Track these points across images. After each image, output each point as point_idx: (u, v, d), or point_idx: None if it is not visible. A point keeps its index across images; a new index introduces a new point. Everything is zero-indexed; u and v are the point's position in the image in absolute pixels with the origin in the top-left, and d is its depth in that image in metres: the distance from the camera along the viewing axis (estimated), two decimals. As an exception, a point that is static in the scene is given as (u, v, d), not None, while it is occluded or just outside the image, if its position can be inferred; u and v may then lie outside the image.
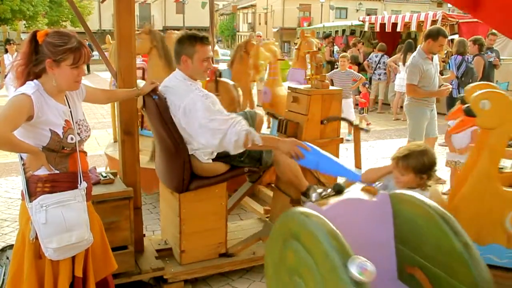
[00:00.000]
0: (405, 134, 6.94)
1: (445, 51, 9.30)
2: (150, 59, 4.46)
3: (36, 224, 1.97)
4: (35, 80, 2.01)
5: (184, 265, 2.97)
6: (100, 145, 6.80)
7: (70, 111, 2.11)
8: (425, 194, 2.30)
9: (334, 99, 3.28)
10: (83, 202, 2.10)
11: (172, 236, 3.08)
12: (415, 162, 2.34)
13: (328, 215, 1.79)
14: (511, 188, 2.79)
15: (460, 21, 10.05)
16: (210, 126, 2.59)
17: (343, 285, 1.55)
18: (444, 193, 4.64)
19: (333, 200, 2.08)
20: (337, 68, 8.23)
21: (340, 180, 2.74)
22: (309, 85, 3.38)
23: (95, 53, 2.86)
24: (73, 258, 2.10)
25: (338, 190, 2.18)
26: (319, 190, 2.04)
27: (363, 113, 8.73)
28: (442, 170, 5.04)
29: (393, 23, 11.59)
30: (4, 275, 2.57)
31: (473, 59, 7.30)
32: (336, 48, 13.55)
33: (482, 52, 7.50)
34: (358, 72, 9.00)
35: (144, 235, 3.12)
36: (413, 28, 10.87)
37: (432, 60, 4.67)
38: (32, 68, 2.01)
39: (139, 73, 4.56)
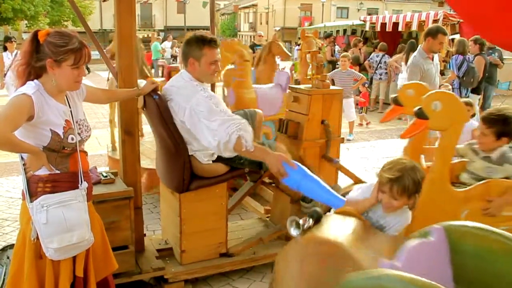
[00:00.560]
0: (406, 134, 6.92)
1: (446, 51, 9.30)
2: None
3: (37, 224, 1.98)
4: (35, 80, 2.02)
5: (185, 265, 2.97)
6: (101, 145, 6.80)
7: (71, 111, 2.11)
8: (406, 212, 2.18)
9: (334, 98, 3.29)
10: (84, 202, 2.11)
11: (173, 236, 3.09)
12: (411, 183, 2.05)
13: (408, 269, 1.49)
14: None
15: (461, 20, 10.03)
16: (211, 127, 2.57)
17: None
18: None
19: (400, 251, 1.70)
20: (338, 68, 8.23)
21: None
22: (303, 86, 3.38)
23: (96, 52, 2.86)
24: (74, 258, 2.10)
25: (317, 219, 1.98)
26: (300, 222, 1.87)
27: (362, 112, 8.76)
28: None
29: (394, 23, 11.57)
30: (4, 275, 2.57)
31: (474, 59, 7.29)
32: (337, 47, 13.54)
33: (483, 52, 7.50)
34: (359, 72, 9.00)
35: (144, 235, 3.12)
36: (414, 27, 10.85)
37: (432, 60, 4.66)
38: (33, 67, 2.01)
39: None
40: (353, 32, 13.58)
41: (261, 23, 47.17)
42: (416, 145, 3.00)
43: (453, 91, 6.78)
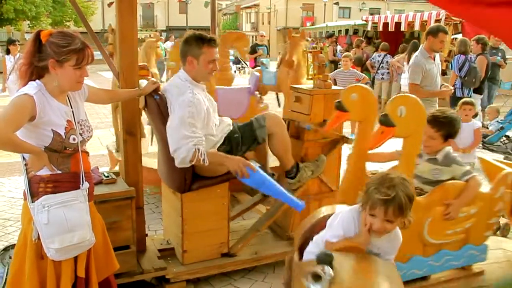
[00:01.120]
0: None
1: (449, 50, 9.28)
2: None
3: (38, 224, 1.98)
4: (37, 80, 2.02)
5: (186, 265, 2.97)
6: (103, 145, 6.79)
7: (72, 112, 2.11)
8: (397, 235, 1.98)
9: (336, 98, 3.28)
10: (85, 203, 2.11)
11: (174, 236, 3.09)
12: (406, 200, 1.83)
13: None
14: None
15: (464, 20, 10.01)
16: (173, 136, 2.62)
17: None
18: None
19: None
20: (340, 67, 8.22)
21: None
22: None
23: (98, 52, 2.86)
24: (75, 258, 2.10)
25: (330, 262, 1.70)
26: (319, 271, 1.63)
27: None
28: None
29: (396, 23, 11.56)
30: (7, 275, 2.58)
31: (476, 58, 7.28)
32: (339, 47, 13.54)
33: (485, 52, 7.48)
34: (361, 72, 8.98)
35: (146, 235, 3.12)
36: (417, 27, 10.85)
37: (434, 60, 4.65)
38: (35, 67, 2.01)
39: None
40: (355, 32, 13.59)
41: (263, 23, 47.15)
42: (360, 152, 2.70)
43: (455, 91, 6.78)
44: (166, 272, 2.89)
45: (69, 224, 2.00)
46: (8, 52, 8.41)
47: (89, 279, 2.18)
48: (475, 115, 4.88)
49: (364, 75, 8.07)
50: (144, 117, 3.48)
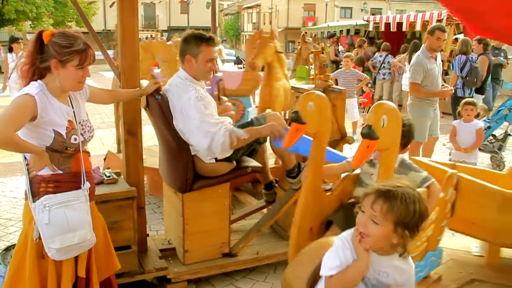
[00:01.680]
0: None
1: (450, 50, 9.27)
2: None
3: (39, 224, 1.98)
4: (39, 80, 2.02)
5: (188, 265, 2.97)
6: (104, 145, 6.81)
7: (74, 112, 2.11)
8: (408, 264, 1.66)
9: (337, 98, 3.28)
10: (86, 203, 2.11)
11: (176, 236, 3.09)
12: (403, 209, 1.53)
13: None
14: None
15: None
16: (201, 128, 2.64)
17: None
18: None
19: None
20: (341, 67, 8.22)
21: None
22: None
23: (99, 53, 2.85)
24: (76, 258, 2.10)
25: None
26: None
27: (365, 112, 8.74)
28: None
29: (398, 23, 11.55)
30: (8, 275, 2.58)
31: (477, 58, 7.27)
32: (340, 47, 13.53)
33: (487, 51, 7.47)
34: (363, 72, 8.98)
35: (147, 235, 3.12)
36: (418, 27, 10.83)
37: (436, 60, 4.65)
38: (37, 67, 2.01)
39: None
40: (357, 32, 13.58)
41: (264, 23, 47.14)
42: (316, 171, 2.36)
43: (456, 91, 6.77)
44: (167, 272, 2.89)
45: (70, 224, 2.00)
46: (10, 50, 8.34)
47: (90, 279, 2.18)
48: (477, 115, 4.87)
49: (365, 75, 8.07)
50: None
